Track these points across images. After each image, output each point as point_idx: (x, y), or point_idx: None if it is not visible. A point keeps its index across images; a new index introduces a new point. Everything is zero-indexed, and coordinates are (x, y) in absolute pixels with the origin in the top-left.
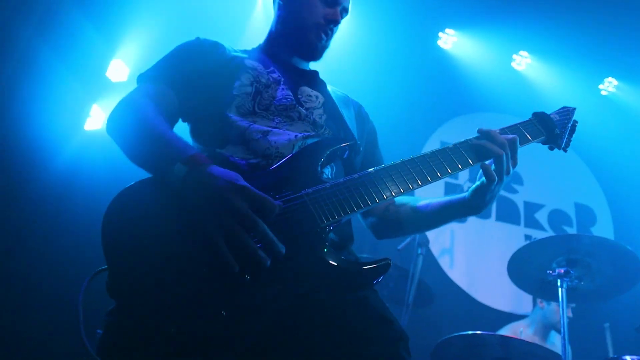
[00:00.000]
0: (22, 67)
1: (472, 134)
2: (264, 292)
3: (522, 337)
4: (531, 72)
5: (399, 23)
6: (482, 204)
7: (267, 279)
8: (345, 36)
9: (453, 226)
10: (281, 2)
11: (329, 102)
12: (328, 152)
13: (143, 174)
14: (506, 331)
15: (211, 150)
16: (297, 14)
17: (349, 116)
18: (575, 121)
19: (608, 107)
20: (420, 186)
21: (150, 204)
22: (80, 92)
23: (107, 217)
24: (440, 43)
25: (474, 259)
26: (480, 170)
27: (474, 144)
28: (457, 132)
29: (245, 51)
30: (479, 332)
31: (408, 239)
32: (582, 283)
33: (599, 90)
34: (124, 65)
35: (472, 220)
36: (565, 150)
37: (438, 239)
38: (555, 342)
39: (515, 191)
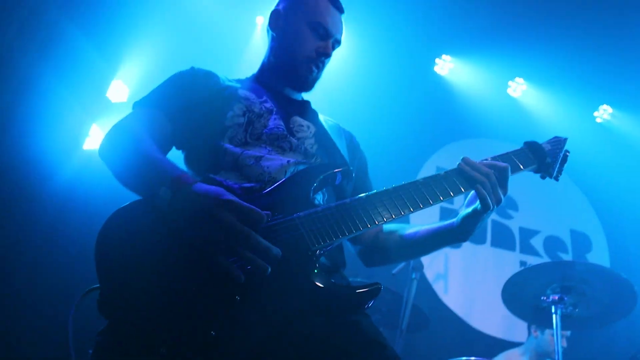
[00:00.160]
0: (23, 87)
1: None
2: (254, 313)
3: None
4: (527, 98)
5: (396, 48)
6: (470, 232)
7: (256, 300)
8: (342, 61)
9: (447, 251)
10: (274, 34)
11: (320, 132)
12: (321, 177)
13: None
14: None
15: (204, 176)
16: (290, 46)
17: (341, 144)
18: (567, 151)
19: (603, 134)
20: (412, 212)
21: (142, 225)
22: (80, 112)
23: (100, 237)
24: (436, 69)
25: (468, 284)
26: (468, 198)
27: (463, 171)
28: (452, 157)
29: (239, 80)
30: (473, 358)
31: (402, 264)
32: (577, 310)
33: (594, 117)
34: (124, 86)
35: (467, 245)
36: (556, 179)
37: (432, 263)
38: None
39: (510, 217)
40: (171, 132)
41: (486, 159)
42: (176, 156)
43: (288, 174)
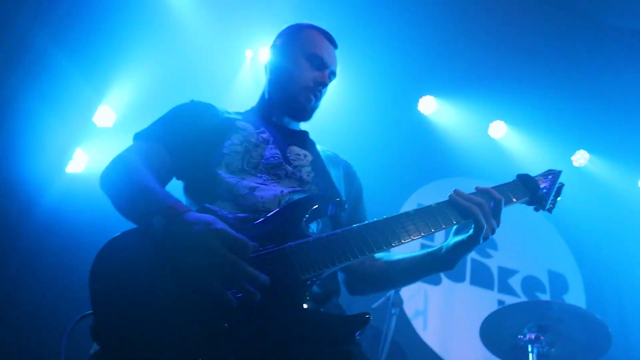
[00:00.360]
0: (6, 110)
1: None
2: (243, 341)
3: None
4: (507, 140)
5: (380, 86)
6: (456, 261)
7: (246, 328)
8: (327, 98)
9: (427, 288)
10: (273, 67)
11: (317, 161)
12: (313, 208)
13: (121, 217)
14: None
15: (201, 206)
16: (288, 77)
17: (336, 175)
18: (561, 184)
19: (580, 178)
20: (402, 244)
21: (136, 253)
22: (64, 136)
23: (95, 265)
24: (420, 108)
25: (447, 321)
26: (453, 229)
27: (455, 202)
28: (434, 195)
29: (238, 113)
30: None
31: (382, 299)
32: (553, 350)
33: (571, 161)
34: (110, 111)
35: (446, 283)
36: (549, 211)
37: (412, 299)
38: None
39: (489, 256)
40: (170, 163)
41: (481, 189)
42: (176, 187)
43: (282, 204)
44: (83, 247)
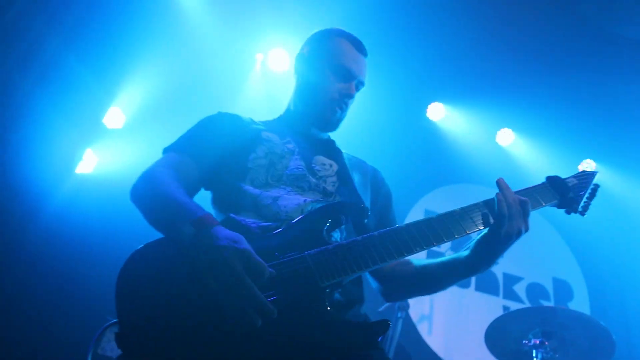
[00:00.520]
0: (19, 112)
1: (455, 203)
2: (264, 349)
3: None
4: (514, 148)
5: (389, 92)
6: (482, 263)
7: (267, 336)
8: None
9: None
10: (299, 77)
11: (342, 170)
12: (334, 216)
13: (129, 218)
14: None
15: (226, 216)
16: (313, 88)
17: (362, 182)
18: (596, 185)
19: None
20: (424, 249)
21: (163, 263)
22: (75, 137)
23: (122, 273)
24: (428, 114)
25: (452, 326)
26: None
27: (483, 203)
28: (441, 201)
29: (264, 122)
30: None
31: (387, 303)
32: (557, 355)
33: (578, 170)
34: (120, 112)
35: (452, 288)
36: (582, 214)
37: (418, 304)
38: None
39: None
40: (198, 176)
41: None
42: (204, 197)
43: (305, 213)
44: (92, 246)
